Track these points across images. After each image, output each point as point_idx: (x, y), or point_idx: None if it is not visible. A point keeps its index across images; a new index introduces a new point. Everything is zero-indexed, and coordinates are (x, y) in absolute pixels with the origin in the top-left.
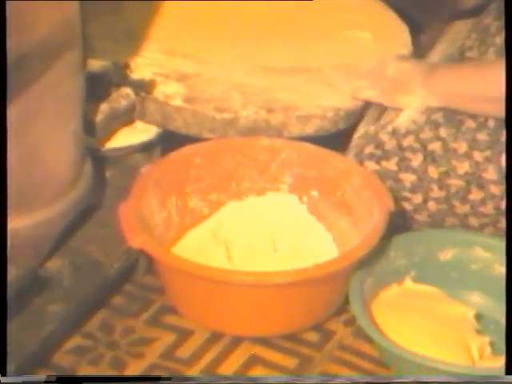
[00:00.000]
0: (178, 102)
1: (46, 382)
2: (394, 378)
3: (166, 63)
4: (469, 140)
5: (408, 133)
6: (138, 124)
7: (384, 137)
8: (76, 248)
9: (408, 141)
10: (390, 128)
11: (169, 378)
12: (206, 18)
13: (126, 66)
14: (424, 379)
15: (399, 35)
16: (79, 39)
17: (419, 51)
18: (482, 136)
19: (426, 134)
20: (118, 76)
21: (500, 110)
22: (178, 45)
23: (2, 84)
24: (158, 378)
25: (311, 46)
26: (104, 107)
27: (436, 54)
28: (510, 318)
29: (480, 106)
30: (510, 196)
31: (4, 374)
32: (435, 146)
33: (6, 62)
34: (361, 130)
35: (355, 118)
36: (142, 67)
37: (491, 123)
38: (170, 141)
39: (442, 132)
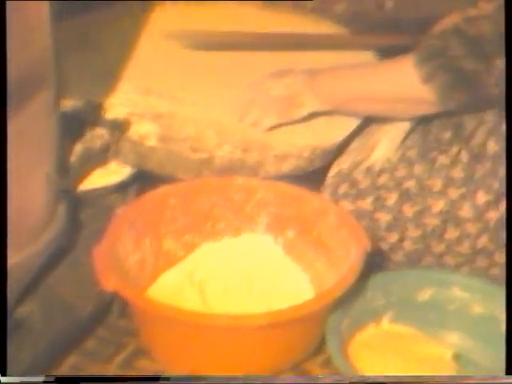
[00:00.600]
0: (152, 141)
1: (44, 382)
2: (395, 378)
3: (141, 102)
4: (443, 177)
5: (382, 171)
6: (112, 164)
7: (358, 175)
8: (48, 291)
9: (383, 179)
10: (364, 166)
11: (167, 378)
12: (182, 57)
13: (101, 106)
14: (422, 379)
15: None
16: (53, 78)
17: None
18: (457, 173)
19: (401, 172)
20: (92, 116)
21: (389, 110)
22: (153, 84)
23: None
24: (157, 378)
25: None
26: (78, 148)
27: None
28: (510, 320)
29: (368, 106)
30: (510, 209)
31: (4, 374)
32: (410, 184)
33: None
34: (335, 168)
35: (331, 156)
36: (116, 107)
37: (465, 158)
38: (144, 181)
39: (417, 169)
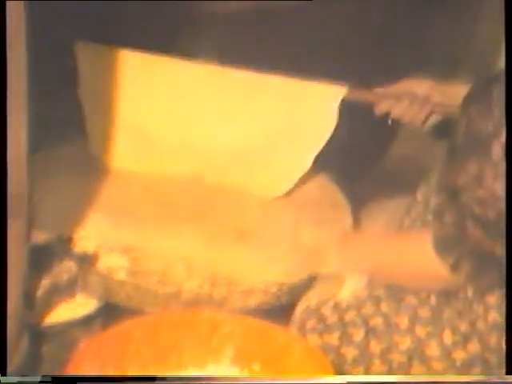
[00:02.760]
0: (121, 275)
1: (40, 382)
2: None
3: (111, 235)
4: (411, 315)
5: (349, 307)
6: (79, 297)
7: (326, 311)
8: None
9: (350, 315)
10: (332, 302)
11: (164, 378)
12: (151, 191)
13: (70, 239)
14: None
15: (341, 213)
16: (24, 211)
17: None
18: (424, 312)
19: (368, 310)
20: (61, 249)
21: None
22: (123, 216)
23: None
24: (153, 378)
25: (254, 215)
26: (45, 282)
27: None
28: (510, 320)
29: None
30: (509, 211)
31: (4, 374)
32: (377, 322)
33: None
34: (303, 303)
35: (298, 292)
36: (85, 239)
37: (433, 300)
38: (111, 314)
39: (384, 307)
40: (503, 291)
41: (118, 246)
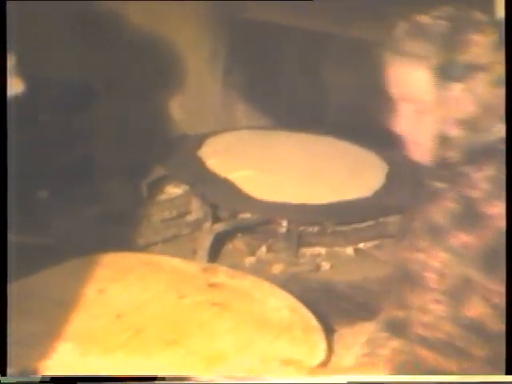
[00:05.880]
0: None
1: (40, 382)
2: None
3: (79, 364)
4: None
5: None
6: None
7: None
8: None
9: None
10: None
11: (162, 378)
12: (121, 318)
13: (35, 371)
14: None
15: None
16: None
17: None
18: None
19: None
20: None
21: None
22: (92, 344)
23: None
24: (154, 378)
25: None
26: None
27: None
28: (510, 320)
29: None
30: (509, 211)
31: (4, 374)
32: None
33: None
34: None
35: None
36: (51, 369)
37: None
38: None
39: None
40: None
41: (85, 374)
